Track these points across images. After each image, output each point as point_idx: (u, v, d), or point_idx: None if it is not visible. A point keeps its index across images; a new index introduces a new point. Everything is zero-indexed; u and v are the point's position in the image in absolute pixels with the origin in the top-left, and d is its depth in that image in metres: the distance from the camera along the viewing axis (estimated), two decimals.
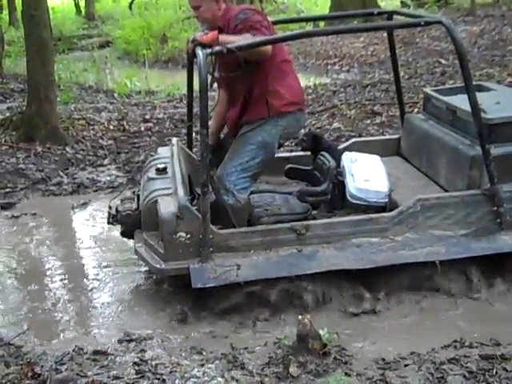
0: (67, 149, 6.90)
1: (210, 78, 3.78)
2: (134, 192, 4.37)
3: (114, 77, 11.66)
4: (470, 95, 3.67)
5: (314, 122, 7.30)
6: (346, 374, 3.01)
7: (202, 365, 3.21)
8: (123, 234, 4.12)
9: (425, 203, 3.78)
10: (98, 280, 4.28)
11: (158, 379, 3.06)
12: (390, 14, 4.37)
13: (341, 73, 10.92)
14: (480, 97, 3.96)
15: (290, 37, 3.88)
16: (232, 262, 3.60)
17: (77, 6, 23.15)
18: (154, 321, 3.70)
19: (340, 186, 4.07)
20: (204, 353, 3.34)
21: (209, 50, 3.47)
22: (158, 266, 3.68)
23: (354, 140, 4.92)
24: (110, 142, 7.12)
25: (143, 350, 3.37)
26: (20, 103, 8.96)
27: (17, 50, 13.50)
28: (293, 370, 3.04)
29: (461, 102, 3.78)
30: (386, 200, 3.95)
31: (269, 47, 3.67)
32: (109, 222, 4.17)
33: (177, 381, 3.05)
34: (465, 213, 3.80)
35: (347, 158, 4.18)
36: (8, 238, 5.05)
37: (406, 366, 3.12)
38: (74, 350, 3.36)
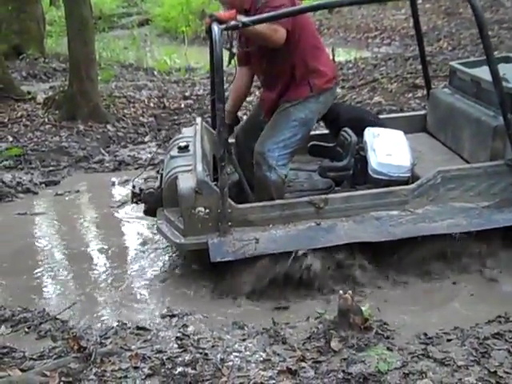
0: (108, 127, 6.97)
1: (229, 53, 3.75)
2: (157, 171, 4.40)
3: (154, 54, 11.71)
4: (491, 65, 3.59)
5: (354, 97, 7.23)
6: (387, 348, 3.00)
7: (244, 339, 3.23)
8: (146, 212, 4.16)
9: (445, 175, 3.74)
10: (139, 257, 4.32)
11: (201, 353, 3.09)
12: None
13: (382, 46, 10.78)
14: (506, 68, 3.94)
15: (301, 10, 3.77)
16: (250, 235, 3.61)
17: None
18: (196, 297, 3.73)
19: (362, 161, 4.02)
20: (246, 328, 3.36)
21: (224, 26, 3.44)
22: (177, 240, 3.71)
23: (380, 117, 4.84)
24: (151, 119, 7.17)
25: (185, 325, 3.40)
26: (62, 82, 9.05)
27: (58, 29, 13.60)
28: (334, 344, 3.04)
29: (485, 73, 3.71)
30: (409, 174, 3.89)
31: (281, 36, 3.64)
32: (132, 201, 4.22)
33: (219, 355, 3.08)
34: (487, 184, 3.75)
35: (369, 133, 4.12)
36: (53, 215, 5.14)
37: (448, 340, 3.09)
38: (117, 325, 3.41)
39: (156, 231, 3.99)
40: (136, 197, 4.15)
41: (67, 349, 3.18)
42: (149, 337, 3.29)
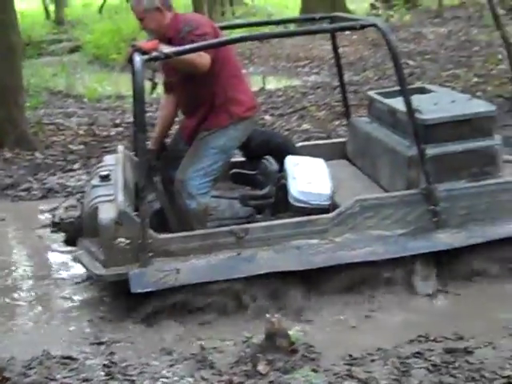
0: (36, 154, 6.87)
1: (151, 83, 3.78)
2: (78, 200, 4.39)
3: (84, 82, 11.61)
4: (405, 96, 3.75)
5: (283, 124, 7.35)
6: (313, 370, 3.06)
7: (172, 365, 3.24)
8: (67, 241, 4.13)
9: (363, 204, 3.84)
10: (63, 285, 4.28)
11: (128, 380, 3.08)
12: (331, 19, 4.47)
13: (311, 75, 10.97)
14: (420, 98, 4.12)
15: (225, 42, 3.88)
16: (171, 266, 3.62)
17: (46, 10, 22.96)
18: (123, 324, 3.70)
19: (283, 189, 4.09)
20: (173, 354, 3.36)
21: (146, 56, 3.46)
22: (97, 272, 3.69)
23: (301, 144, 4.96)
24: (81, 146, 7.11)
25: (112, 353, 3.38)
26: None
27: None
28: (261, 367, 3.08)
29: (401, 104, 3.85)
30: (329, 202, 3.97)
31: (206, 61, 3.68)
32: (52, 231, 4.17)
33: (146, 381, 3.08)
34: (403, 212, 3.86)
35: (290, 162, 4.21)
36: None
37: (372, 361, 3.17)
38: (42, 355, 3.34)
39: (76, 261, 3.95)
40: (56, 226, 4.10)
41: None
42: (75, 365, 3.26)
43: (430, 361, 3.10)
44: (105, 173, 4.12)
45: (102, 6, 20.92)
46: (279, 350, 3.17)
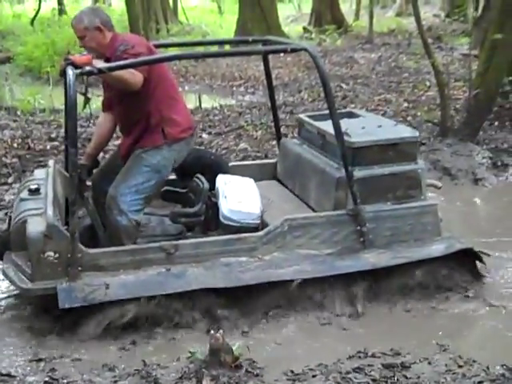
0: None
1: (84, 98, 3.78)
2: (6, 213, 4.32)
3: (16, 94, 11.39)
4: (334, 120, 3.88)
5: (220, 143, 7.42)
6: None
7: (115, 381, 3.24)
8: None
9: (292, 223, 3.94)
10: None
11: None
12: (264, 41, 4.61)
13: (246, 94, 11.12)
14: (348, 122, 4.28)
15: (160, 59, 3.96)
16: (101, 281, 3.63)
17: None
18: (61, 341, 3.65)
19: (214, 207, 4.17)
20: (116, 370, 3.35)
21: (79, 70, 3.48)
22: (24, 285, 3.65)
23: (232, 164, 5.05)
24: (14, 160, 6.95)
25: (53, 369, 3.36)
26: None
27: None
28: (206, 383, 3.11)
29: (330, 127, 3.98)
30: (258, 221, 4.06)
31: (139, 79, 3.72)
32: None
33: None
34: (330, 232, 3.99)
35: (221, 180, 4.29)
36: None
37: (313, 376, 3.25)
38: None
39: (2, 275, 3.87)
40: None
41: None
42: (15, 382, 3.21)
43: (370, 376, 3.21)
44: (34, 186, 4.09)
45: (34, 18, 20.56)
46: (223, 365, 3.22)
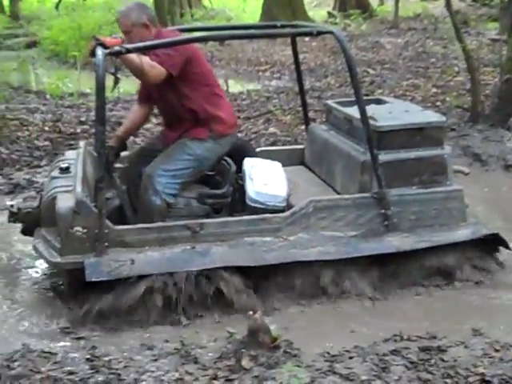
0: (1, 149, 6.78)
1: (113, 79, 3.81)
2: (38, 191, 4.39)
3: (44, 78, 11.47)
4: (360, 104, 3.90)
5: (250, 127, 7.45)
6: (296, 365, 3.15)
7: (155, 360, 3.28)
8: (23, 231, 4.16)
9: (317, 205, 3.96)
10: (32, 279, 4.29)
11: (113, 374, 3.12)
12: (292, 26, 4.62)
13: (272, 79, 11.10)
14: (375, 108, 4.31)
15: (185, 41, 4.01)
16: (126, 257, 3.70)
17: (1, 4, 22.56)
18: (100, 320, 3.69)
19: (240, 190, 4.20)
20: (154, 349, 3.41)
21: (108, 50, 3.55)
22: (53, 259, 3.75)
23: (260, 149, 5.07)
24: (46, 143, 7.04)
25: (94, 347, 3.41)
26: None
27: None
28: (245, 362, 3.15)
29: (357, 112, 4.00)
30: (284, 204, 4.07)
31: (158, 73, 3.80)
32: (9, 221, 4.19)
33: (131, 375, 3.12)
34: (355, 215, 4.00)
35: (248, 163, 4.31)
36: None
37: (350, 358, 3.28)
38: (22, 348, 3.36)
39: (33, 250, 3.94)
40: (13, 216, 4.12)
41: None
42: (58, 359, 3.28)
43: (407, 358, 3.23)
44: (65, 165, 4.18)
45: (59, 3, 20.63)
46: (262, 345, 3.26)
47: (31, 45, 15.69)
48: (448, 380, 3.04)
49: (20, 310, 3.90)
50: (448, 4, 7.22)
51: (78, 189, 3.75)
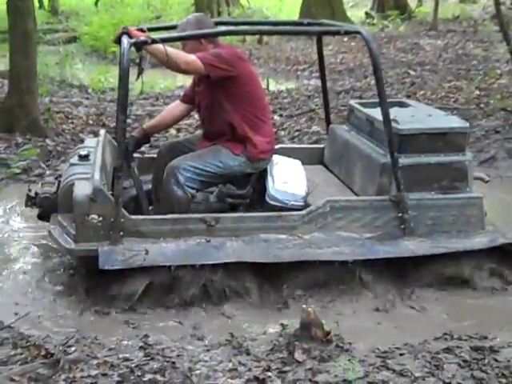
0: (47, 141, 6.90)
1: (138, 68, 3.79)
2: (56, 177, 4.45)
3: (85, 72, 11.61)
4: (382, 106, 3.88)
5: (293, 125, 7.47)
6: (348, 360, 3.16)
7: (208, 350, 3.32)
8: (40, 216, 4.20)
9: (334, 205, 3.95)
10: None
11: (168, 362, 3.15)
12: (319, 24, 4.61)
13: (311, 79, 11.09)
14: (398, 111, 4.29)
15: (209, 34, 4.05)
16: (141, 246, 3.72)
17: (40, 0, 22.86)
18: (150, 309, 3.77)
19: (261, 190, 4.19)
20: (205, 340, 3.45)
21: (133, 40, 3.57)
22: (68, 246, 3.77)
23: (280, 146, 5.05)
24: (90, 136, 7.12)
25: (146, 335, 3.46)
26: None
27: None
28: (298, 355, 3.17)
29: (379, 114, 3.99)
30: (302, 203, 4.06)
31: (194, 66, 3.84)
32: (27, 205, 4.24)
33: (185, 364, 3.15)
34: (372, 217, 3.98)
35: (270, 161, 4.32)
36: None
37: (401, 355, 3.27)
38: (77, 334, 3.43)
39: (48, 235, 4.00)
40: (30, 200, 4.17)
41: (30, 356, 3.17)
42: (113, 345, 3.33)
43: (460, 357, 3.22)
44: (84, 152, 4.21)
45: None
46: (314, 339, 3.28)
47: (71, 40, 15.87)
48: (503, 380, 3.02)
49: (71, 298, 3.94)
50: (497, 6, 7.15)
51: (96, 176, 3.78)
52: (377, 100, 4.04)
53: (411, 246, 3.94)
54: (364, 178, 4.24)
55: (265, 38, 14.40)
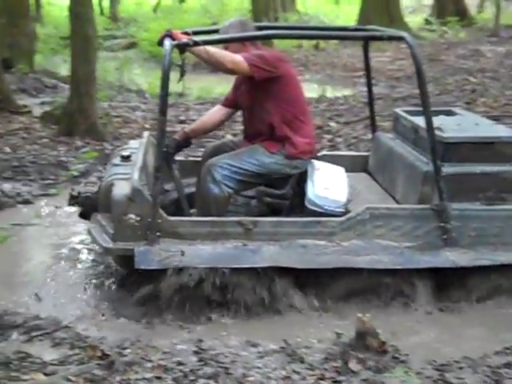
0: (105, 144, 7.02)
1: (180, 70, 3.77)
2: (99, 177, 4.47)
3: (143, 77, 11.78)
4: (426, 113, 3.77)
5: (350, 132, 7.41)
6: (405, 372, 3.10)
7: (262, 357, 3.30)
8: (81, 215, 4.24)
9: (374, 212, 3.86)
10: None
11: (221, 367, 3.15)
12: (363, 29, 4.57)
13: None
14: (445, 119, 4.20)
15: (250, 37, 4.04)
16: (177, 247, 3.70)
17: (101, 6, 23.35)
18: (202, 316, 3.76)
19: (301, 192, 4.12)
20: (259, 347, 3.42)
21: (175, 42, 3.59)
22: (105, 244, 3.79)
23: (324, 153, 4.99)
24: None
25: (200, 340, 3.46)
26: (54, 98, 9.10)
27: (44, 46, 13.63)
28: (353, 365, 3.13)
29: (424, 121, 3.88)
30: (343, 210, 3.98)
31: (240, 66, 3.84)
32: (69, 204, 4.30)
33: (239, 370, 3.14)
34: (412, 226, 3.87)
35: (311, 166, 4.25)
36: (49, 226, 5.15)
37: (460, 368, 3.20)
38: (132, 337, 3.45)
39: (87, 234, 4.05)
40: (73, 199, 4.23)
41: (86, 356, 3.22)
42: (166, 349, 3.34)
43: None
44: (126, 153, 4.25)
45: (156, 6, 21.17)
46: (369, 349, 3.23)
47: (130, 46, 16.15)
48: None
49: (127, 300, 3.94)
50: None
51: (135, 176, 3.80)
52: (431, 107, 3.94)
53: (452, 257, 3.84)
54: (406, 186, 4.17)
55: (322, 44, 14.37)
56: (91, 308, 3.87)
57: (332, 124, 7.72)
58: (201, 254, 3.71)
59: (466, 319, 3.79)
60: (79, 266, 4.46)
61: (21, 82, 10.36)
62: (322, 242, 3.80)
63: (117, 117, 7.98)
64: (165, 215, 3.77)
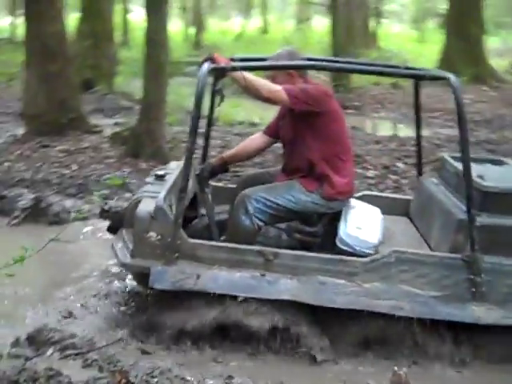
0: None
1: (219, 96, 3.78)
2: (132, 194, 4.47)
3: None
4: (464, 158, 3.61)
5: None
6: None
7: None
8: (109, 229, 4.29)
9: (400, 256, 3.71)
10: None
11: None
12: (407, 68, 4.42)
13: (444, 127, 10.73)
14: (490, 168, 4.09)
15: (290, 66, 3.97)
16: (194, 270, 3.66)
17: (186, 33, 23.94)
18: (236, 348, 3.71)
19: (333, 232, 4.01)
20: None
21: (213, 65, 3.57)
22: (123, 260, 3.78)
23: (364, 193, 4.87)
24: None
25: (231, 377, 3.39)
26: (127, 120, 9.30)
27: (126, 69, 14.00)
28: None
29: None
30: (373, 252, 3.85)
31: (279, 97, 3.76)
32: (100, 217, 4.38)
33: None
34: (440, 275, 3.70)
35: (347, 204, 4.16)
36: (95, 248, 5.22)
37: None
38: (163, 366, 3.39)
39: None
40: (104, 213, 4.29)
41: (113, 381, 3.19)
42: (195, 382, 3.28)
43: None
44: (161, 172, 4.26)
45: (240, 35, 21.52)
46: None
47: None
48: None
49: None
50: None
51: (162, 195, 3.80)
52: (474, 155, 3.85)
53: (478, 313, 3.64)
54: (440, 233, 4.02)
55: (400, 82, 14.18)
56: (127, 331, 3.86)
57: (399, 164, 7.55)
58: (216, 279, 3.68)
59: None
60: (120, 286, 4.48)
61: (99, 103, 10.69)
62: (343, 281, 3.70)
63: (184, 142, 8.03)
64: (185, 236, 3.76)
